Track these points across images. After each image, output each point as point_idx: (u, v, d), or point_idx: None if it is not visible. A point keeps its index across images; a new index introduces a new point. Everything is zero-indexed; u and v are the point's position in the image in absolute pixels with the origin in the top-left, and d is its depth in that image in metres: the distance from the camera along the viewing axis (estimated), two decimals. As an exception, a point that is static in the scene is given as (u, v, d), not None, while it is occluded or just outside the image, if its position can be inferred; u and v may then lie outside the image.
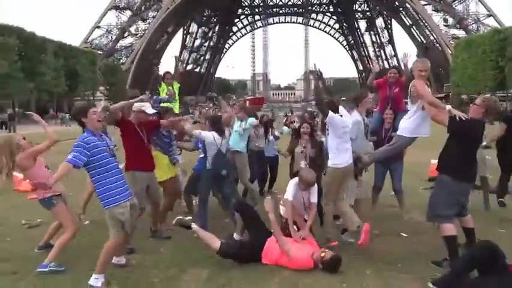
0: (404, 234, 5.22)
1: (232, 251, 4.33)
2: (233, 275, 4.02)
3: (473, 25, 72.33)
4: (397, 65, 68.49)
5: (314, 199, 4.72)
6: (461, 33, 72.06)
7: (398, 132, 4.59)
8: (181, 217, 5.43)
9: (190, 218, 5.60)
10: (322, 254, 4.12)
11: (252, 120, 6.46)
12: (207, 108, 17.22)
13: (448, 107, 4.04)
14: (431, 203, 4.15)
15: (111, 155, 3.77)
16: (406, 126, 4.47)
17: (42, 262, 4.23)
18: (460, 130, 3.90)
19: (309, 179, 4.56)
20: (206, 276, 4.03)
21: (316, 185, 4.75)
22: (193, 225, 4.61)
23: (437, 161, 4.25)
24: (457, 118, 3.86)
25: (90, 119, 3.74)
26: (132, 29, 79.74)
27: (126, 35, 79.38)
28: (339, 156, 4.66)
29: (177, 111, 6.85)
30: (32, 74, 41.52)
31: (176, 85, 7.10)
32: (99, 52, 68.00)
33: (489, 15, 71.44)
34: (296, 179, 4.76)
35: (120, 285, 3.81)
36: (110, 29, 78.43)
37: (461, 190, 4.04)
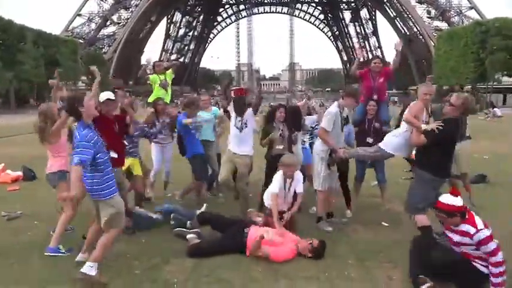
0: (385, 224, 5.31)
1: (203, 245, 4.40)
2: (217, 264, 4.04)
3: (456, 17, 73.34)
4: (380, 55, 69.12)
5: (300, 189, 4.90)
6: (443, 25, 73.05)
7: (381, 145, 4.62)
8: (180, 229, 4.95)
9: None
10: (310, 242, 4.22)
11: (216, 111, 6.68)
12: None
13: (424, 126, 4.15)
14: (410, 196, 4.29)
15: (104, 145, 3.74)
16: (390, 142, 4.52)
17: (23, 255, 4.22)
18: (438, 139, 4.04)
19: (290, 161, 4.81)
20: (190, 266, 4.04)
21: (300, 174, 4.93)
22: (188, 236, 4.58)
23: (415, 156, 4.45)
24: (435, 130, 4.01)
25: (88, 107, 3.63)
26: (115, 18, 78.37)
27: (108, 23, 77.97)
28: None
29: (167, 101, 6.86)
30: (11, 63, 40.47)
31: (170, 75, 7.13)
32: (80, 41, 66.59)
33: (471, 8, 72.52)
34: (281, 172, 4.83)
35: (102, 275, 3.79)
36: (91, 18, 76.87)
37: (439, 185, 4.25)
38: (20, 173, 8.12)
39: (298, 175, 4.93)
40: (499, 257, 3.31)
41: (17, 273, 3.92)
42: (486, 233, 3.34)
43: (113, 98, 4.67)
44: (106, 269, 3.88)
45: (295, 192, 4.89)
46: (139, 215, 5.16)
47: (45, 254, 4.28)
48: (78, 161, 3.41)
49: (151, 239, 4.76)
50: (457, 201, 3.43)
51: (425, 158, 4.18)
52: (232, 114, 5.40)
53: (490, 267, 3.35)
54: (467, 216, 3.44)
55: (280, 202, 4.81)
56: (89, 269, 3.59)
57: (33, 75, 43.61)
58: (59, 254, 4.29)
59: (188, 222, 4.92)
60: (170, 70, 7.27)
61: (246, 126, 5.30)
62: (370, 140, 5.67)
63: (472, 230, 3.36)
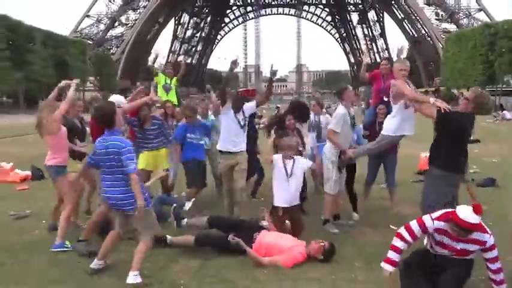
0: (393, 227, 5.25)
1: (212, 237, 4.40)
2: (223, 265, 4.04)
3: (465, 19, 72.80)
4: (388, 56, 68.83)
5: (308, 164, 4.86)
6: (452, 27, 72.56)
7: (382, 131, 4.62)
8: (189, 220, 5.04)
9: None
10: (322, 244, 4.17)
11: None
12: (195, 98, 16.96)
13: (432, 99, 4.02)
14: (423, 196, 4.19)
15: None
16: (389, 125, 4.55)
17: (31, 253, 4.27)
18: (445, 121, 3.89)
19: (291, 141, 4.67)
20: (196, 266, 4.03)
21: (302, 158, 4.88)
22: (168, 237, 4.53)
23: (428, 153, 4.31)
24: (442, 110, 3.85)
25: (119, 115, 3.78)
26: (123, 19, 78.80)
27: (116, 24, 78.41)
28: None
29: (175, 103, 6.95)
30: (20, 63, 40.83)
31: (174, 81, 7.26)
32: (89, 42, 67.06)
33: (480, 10, 71.95)
34: (279, 155, 4.66)
35: (109, 277, 3.80)
36: (100, 19, 77.38)
37: (450, 181, 4.00)
38: (28, 173, 8.19)
39: (299, 157, 4.76)
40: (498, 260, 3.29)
41: (22, 272, 3.94)
42: (493, 239, 3.24)
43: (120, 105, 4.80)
44: (114, 269, 3.90)
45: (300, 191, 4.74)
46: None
47: (51, 250, 4.31)
48: (134, 166, 3.57)
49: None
50: (476, 219, 3.14)
51: (434, 150, 4.08)
52: (230, 111, 5.13)
53: (492, 269, 3.27)
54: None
55: (281, 193, 4.58)
56: (134, 277, 3.64)
57: (42, 76, 43.97)
58: (65, 249, 4.32)
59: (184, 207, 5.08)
60: (175, 78, 7.38)
61: (247, 121, 5.24)
62: None
63: (485, 237, 3.19)
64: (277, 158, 4.63)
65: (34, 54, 43.41)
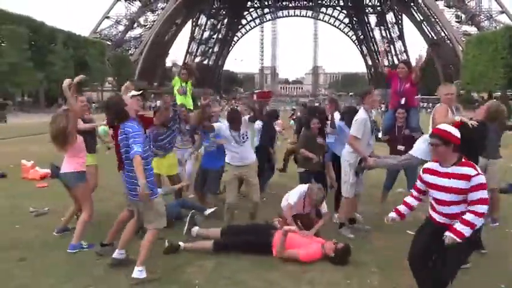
0: (410, 232, 5.18)
1: (230, 239, 4.42)
2: (238, 267, 4.05)
3: (486, 22, 71.34)
4: (406, 59, 67.94)
5: (325, 209, 4.92)
6: (473, 29, 71.16)
7: (412, 152, 4.55)
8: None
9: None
10: (335, 242, 4.24)
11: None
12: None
13: (458, 118, 4.12)
14: None
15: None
16: (421, 148, 4.44)
17: (49, 249, 4.38)
18: (470, 136, 3.93)
19: (318, 200, 4.75)
20: (211, 267, 4.06)
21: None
22: (181, 244, 4.52)
23: None
24: (470, 125, 3.97)
25: (130, 104, 3.81)
26: (141, 20, 79.75)
27: (135, 26, 79.41)
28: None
29: (191, 107, 6.97)
30: (42, 63, 41.72)
31: (190, 84, 7.29)
32: (108, 43, 68.11)
33: (502, 12, 70.37)
34: (305, 187, 4.84)
35: (126, 275, 3.84)
36: (119, 20, 78.50)
37: None
38: (48, 171, 8.35)
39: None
40: (486, 208, 3.05)
41: (41, 267, 4.03)
42: (484, 178, 3.07)
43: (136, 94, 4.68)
44: (130, 268, 3.95)
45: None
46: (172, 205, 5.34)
47: (68, 251, 4.36)
48: (139, 149, 3.52)
49: (177, 239, 4.79)
50: (457, 132, 3.13)
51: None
52: (227, 132, 5.04)
53: (471, 215, 3.01)
54: (463, 160, 3.14)
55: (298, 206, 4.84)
56: (140, 273, 3.70)
57: (62, 76, 44.53)
58: (82, 250, 4.39)
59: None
60: (190, 82, 7.42)
61: (247, 138, 5.10)
62: (401, 147, 5.54)
63: (472, 172, 3.03)
64: (301, 190, 4.91)
65: (55, 54, 44.30)
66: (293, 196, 4.85)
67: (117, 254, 4.01)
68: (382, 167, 5.09)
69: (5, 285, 3.26)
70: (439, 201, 3.20)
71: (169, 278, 3.84)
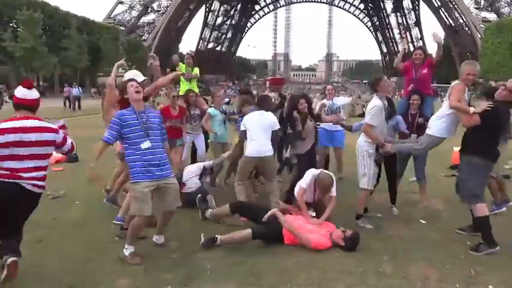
0: (423, 221, 5.16)
1: (261, 231, 4.39)
2: (250, 254, 4.08)
3: (506, 8, 69.37)
4: (422, 45, 66.60)
5: (334, 193, 4.77)
6: (492, 16, 69.36)
7: (428, 132, 4.49)
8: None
9: None
10: (343, 230, 4.23)
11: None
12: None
13: (472, 109, 4.09)
14: (462, 186, 4.24)
15: (143, 131, 3.74)
16: (442, 126, 4.39)
17: (66, 232, 4.50)
18: (491, 118, 4.01)
19: (326, 184, 4.67)
20: (222, 253, 4.09)
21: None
22: (218, 237, 4.32)
23: (461, 143, 4.33)
24: (485, 110, 3.99)
25: (130, 93, 3.84)
26: (155, 5, 79.67)
27: (148, 11, 79.34)
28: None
29: (197, 91, 7.07)
30: (56, 48, 42.11)
31: (196, 70, 7.36)
32: (121, 28, 68.25)
33: (523, -2, 68.29)
34: (315, 172, 4.81)
35: (143, 264, 3.90)
36: (132, 5, 78.52)
37: (489, 170, 4.24)
38: (62, 155, 8.48)
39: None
40: None
41: (59, 248, 4.12)
42: None
43: (140, 80, 4.58)
44: (143, 251, 4.02)
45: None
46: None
47: (113, 222, 4.60)
48: (105, 137, 3.75)
49: (192, 224, 4.85)
50: None
51: (473, 142, 4.12)
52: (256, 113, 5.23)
53: None
54: None
55: (308, 196, 4.81)
56: (125, 250, 3.80)
57: (76, 61, 45.16)
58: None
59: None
60: (196, 67, 7.47)
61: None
62: (414, 135, 5.47)
63: None
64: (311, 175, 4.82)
65: (69, 39, 44.61)
66: (305, 179, 4.79)
67: (156, 238, 4.19)
68: (401, 151, 5.01)
69: (23, 267, 3.34)
70: None
71: (181, 261, 3.90)
